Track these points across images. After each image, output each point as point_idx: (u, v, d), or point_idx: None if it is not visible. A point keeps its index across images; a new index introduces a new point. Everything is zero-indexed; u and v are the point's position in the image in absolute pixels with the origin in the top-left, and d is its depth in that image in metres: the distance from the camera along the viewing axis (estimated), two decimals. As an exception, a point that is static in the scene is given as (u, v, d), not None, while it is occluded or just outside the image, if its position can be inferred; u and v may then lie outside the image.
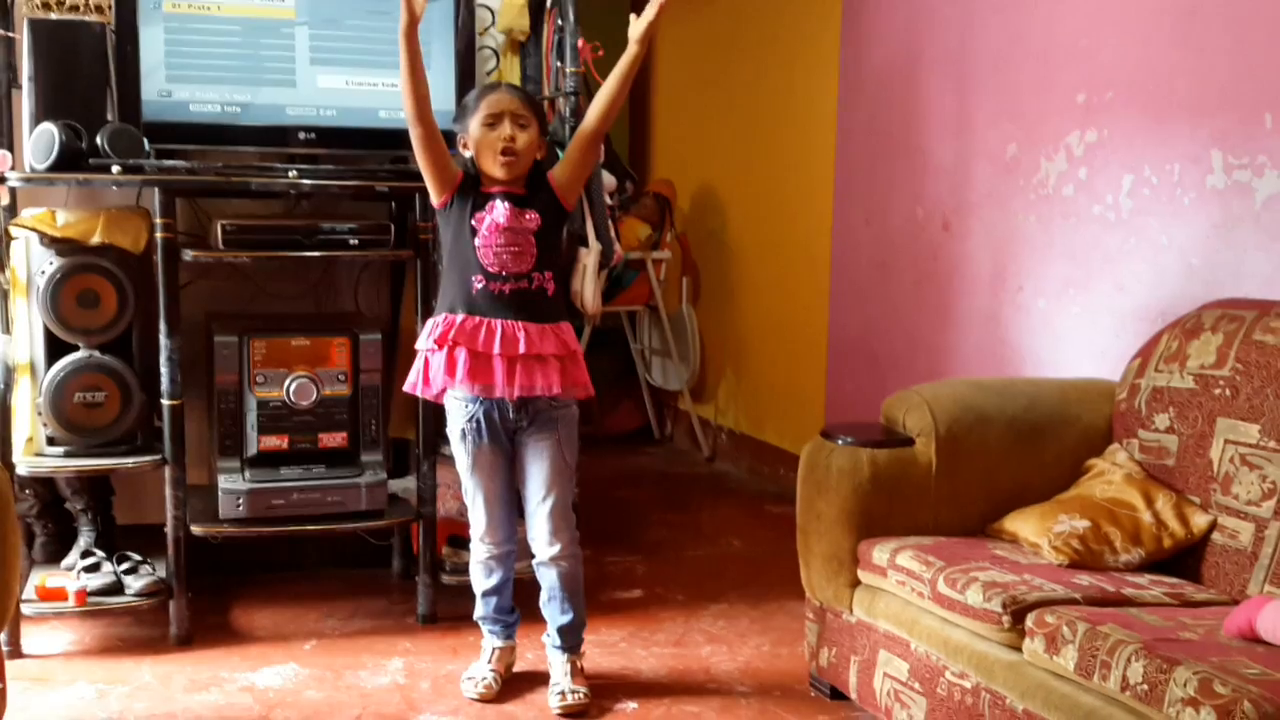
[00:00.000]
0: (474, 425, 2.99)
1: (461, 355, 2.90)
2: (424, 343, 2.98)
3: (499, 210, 2.92)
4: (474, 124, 2.94)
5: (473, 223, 2.93)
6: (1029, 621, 2.37)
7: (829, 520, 2.90)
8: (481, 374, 2.91)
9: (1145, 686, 2.08)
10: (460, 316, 2.92)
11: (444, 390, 2.99)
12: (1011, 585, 2.47)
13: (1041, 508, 2.83)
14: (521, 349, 2.90)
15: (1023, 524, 2.81)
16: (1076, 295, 3.52)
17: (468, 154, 2.99)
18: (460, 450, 3.04)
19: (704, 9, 6.07)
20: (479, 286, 2.92)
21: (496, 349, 2.89)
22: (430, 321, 3.00)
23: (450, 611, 3.56)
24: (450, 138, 3.01)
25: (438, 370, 2.94)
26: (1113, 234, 3.38)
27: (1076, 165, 3.50)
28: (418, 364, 3.00)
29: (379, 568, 3.97)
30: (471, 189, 2.98)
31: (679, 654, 3.41)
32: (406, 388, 3.05)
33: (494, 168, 2.93)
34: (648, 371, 6.40)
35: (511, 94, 2.99)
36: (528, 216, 2.94)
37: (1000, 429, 2.97)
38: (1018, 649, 2.41)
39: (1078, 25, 3.50)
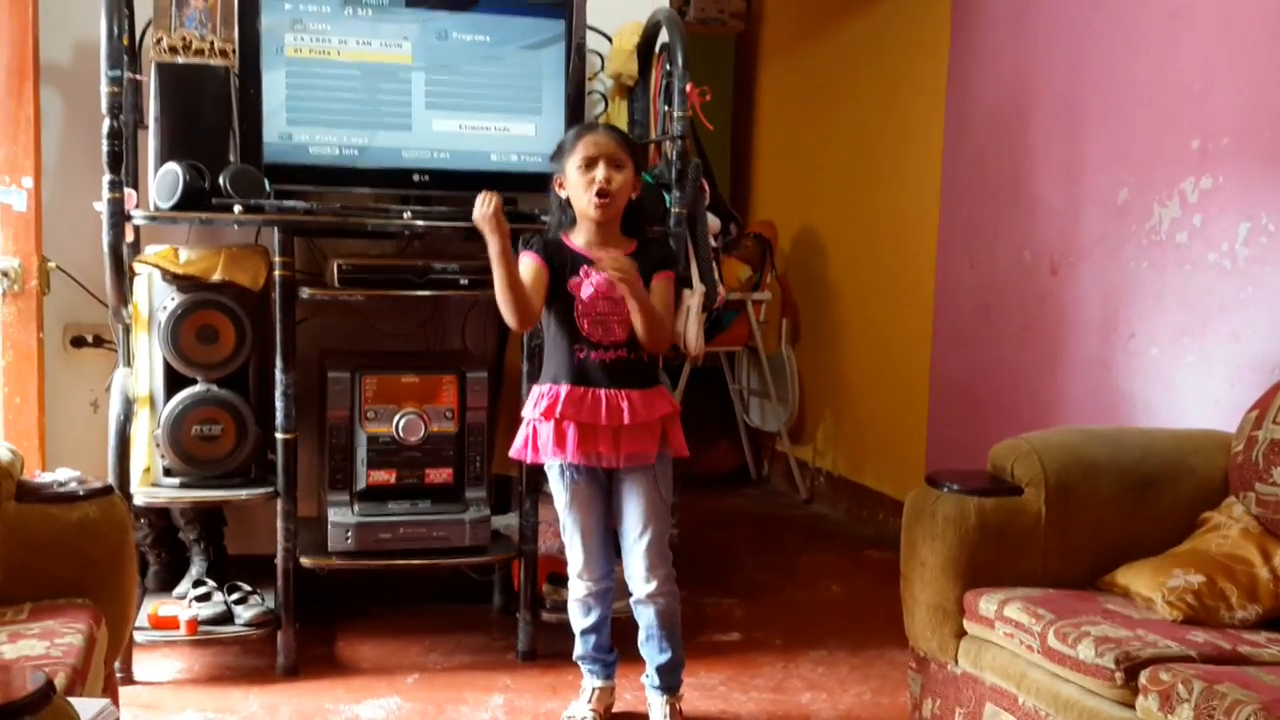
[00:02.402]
0: (571, 463, 3.01)
1: (570, 430, 2.92)
2: (530, 412, 3.00)
3: (595, 277, 2.94)
4: (570, 165, 2.96)
5: (569, 289, 2.96)
6: (1142, 678, 2.32)
7: (934, 569, 2.87)
8: (588, 444, 2.93)
9: (1265, 749, 2.03)
10: (565, 388, 2.94)
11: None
12: (1124, 641, 2.43)
13: (1154, 561, 2.78)
14: (626, 419, 2.92)
15: (1135, 577, 2.75)
16: (1190, 344, 3.46)
17: (563, 193, 3.01)
18: (558, 486, 3.06)
19: (807, 51, 6.10)
20: (581, 356, 2.95)
21: (603, 419, 2.91)
22: (535, 390, 3.02)
23: (550, 648, 3.57)
24: (542, 179, 3.05)
25: (546, 441, 2.95)
26: (1228, 282, 3.33)
27: (1191, 211, 3.45)
28: (524, 431, 3.01)
29: (480, 603, 4.00)
30: (561, 258, 2.99)
31: (778, 699, 3.40)
32: (513, 454, 3.07)
33: (588, 208, 2.95)
34: (745, 412, 6.39)
35: (608, 135, 3.00)
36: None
37: (1112, 479, 2.92)
38: (1131, 706, 2.36)
39: (1190, 71, 3.46)
